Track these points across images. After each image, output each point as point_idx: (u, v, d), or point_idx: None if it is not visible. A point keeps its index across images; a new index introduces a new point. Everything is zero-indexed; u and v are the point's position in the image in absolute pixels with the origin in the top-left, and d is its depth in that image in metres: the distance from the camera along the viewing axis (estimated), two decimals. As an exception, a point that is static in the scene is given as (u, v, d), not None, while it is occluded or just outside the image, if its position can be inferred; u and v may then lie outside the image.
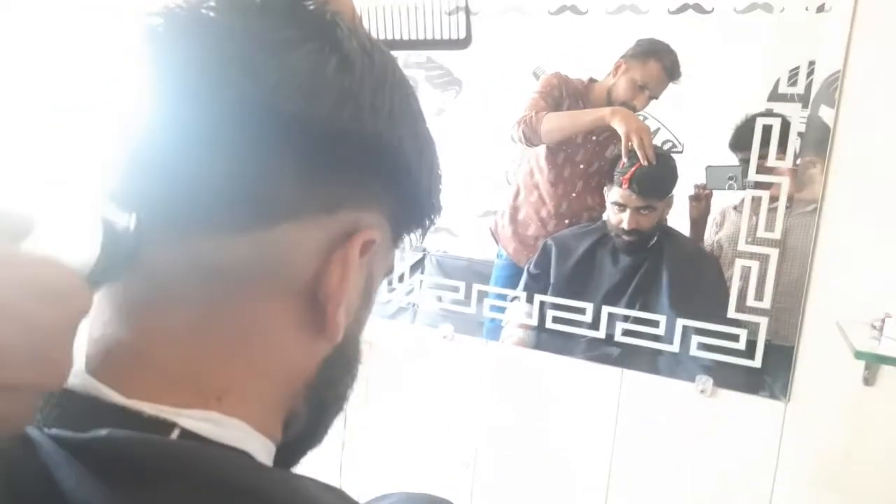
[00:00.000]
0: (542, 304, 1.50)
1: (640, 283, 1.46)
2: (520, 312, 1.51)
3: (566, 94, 1.46)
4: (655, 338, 1.37)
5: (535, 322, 1.50)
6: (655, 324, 1.38)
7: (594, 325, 1.44)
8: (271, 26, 0.34)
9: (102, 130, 0.36)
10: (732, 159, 1.33)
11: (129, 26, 0.35)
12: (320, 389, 0.40)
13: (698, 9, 1.30)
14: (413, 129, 0.39)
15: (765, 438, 1.28)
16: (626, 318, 1.42)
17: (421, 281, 1.62)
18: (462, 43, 0.64)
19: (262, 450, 0.37)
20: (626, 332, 1.41)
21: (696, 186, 1.38)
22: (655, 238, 1.46)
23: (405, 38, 0.64)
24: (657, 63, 1.36)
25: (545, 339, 1.48)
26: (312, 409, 0.40)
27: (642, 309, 1.41)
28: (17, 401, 0.27)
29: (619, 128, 1.40)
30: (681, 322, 1.35)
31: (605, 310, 1.44)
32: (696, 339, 1.33)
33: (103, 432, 0.31)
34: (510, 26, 1.45)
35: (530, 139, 1.48)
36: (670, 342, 1.35)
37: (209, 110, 0.33)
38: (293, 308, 0.36)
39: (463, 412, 1.55)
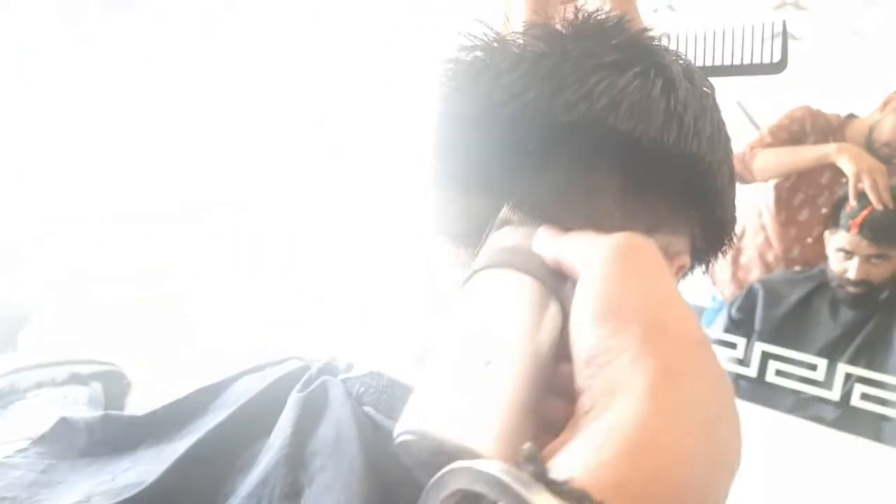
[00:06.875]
0: (763, 353, 1.32)
1: (866, 342, 1.28)
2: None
3: (811, 128, 1.34)
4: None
5: (753, 373, 1.32)
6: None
7: (826, 384, 1.24)
8: (596, 51, 0.35)
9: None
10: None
11: (453, 60, 0.38)
12: None
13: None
14: (727, 154, 0.39)
15: None
16: (856, 380, 1.22)
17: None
18: (776, 67, 0.61)
19: None
20: (866, 397, 1.20)
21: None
22: (887, 292, 1.29)
23: (713, 63, 0.63)
24: None
25: (744, 387, 1.34)
26: None
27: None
28: None
29: (847, 167, 1.27)
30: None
31: (842, 368, 1.24)
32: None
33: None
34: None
35: (742, 177, 1.38)
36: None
37: (545, 126, 0.34)
38: None
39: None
